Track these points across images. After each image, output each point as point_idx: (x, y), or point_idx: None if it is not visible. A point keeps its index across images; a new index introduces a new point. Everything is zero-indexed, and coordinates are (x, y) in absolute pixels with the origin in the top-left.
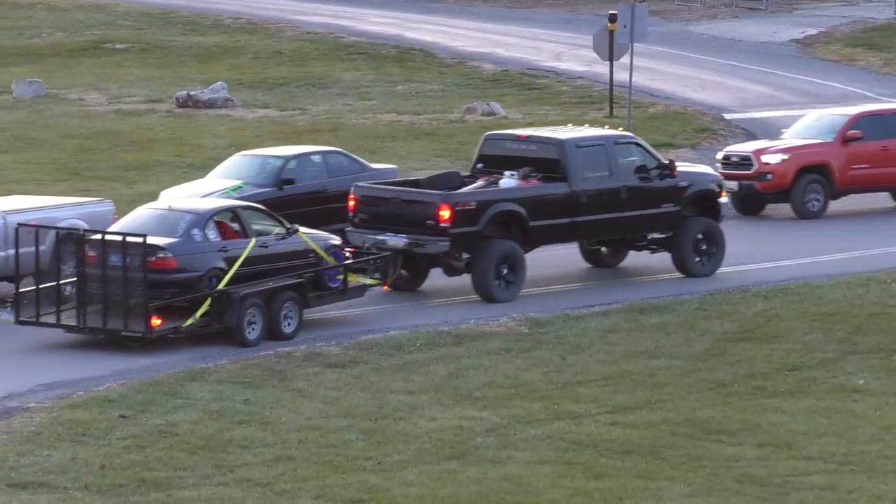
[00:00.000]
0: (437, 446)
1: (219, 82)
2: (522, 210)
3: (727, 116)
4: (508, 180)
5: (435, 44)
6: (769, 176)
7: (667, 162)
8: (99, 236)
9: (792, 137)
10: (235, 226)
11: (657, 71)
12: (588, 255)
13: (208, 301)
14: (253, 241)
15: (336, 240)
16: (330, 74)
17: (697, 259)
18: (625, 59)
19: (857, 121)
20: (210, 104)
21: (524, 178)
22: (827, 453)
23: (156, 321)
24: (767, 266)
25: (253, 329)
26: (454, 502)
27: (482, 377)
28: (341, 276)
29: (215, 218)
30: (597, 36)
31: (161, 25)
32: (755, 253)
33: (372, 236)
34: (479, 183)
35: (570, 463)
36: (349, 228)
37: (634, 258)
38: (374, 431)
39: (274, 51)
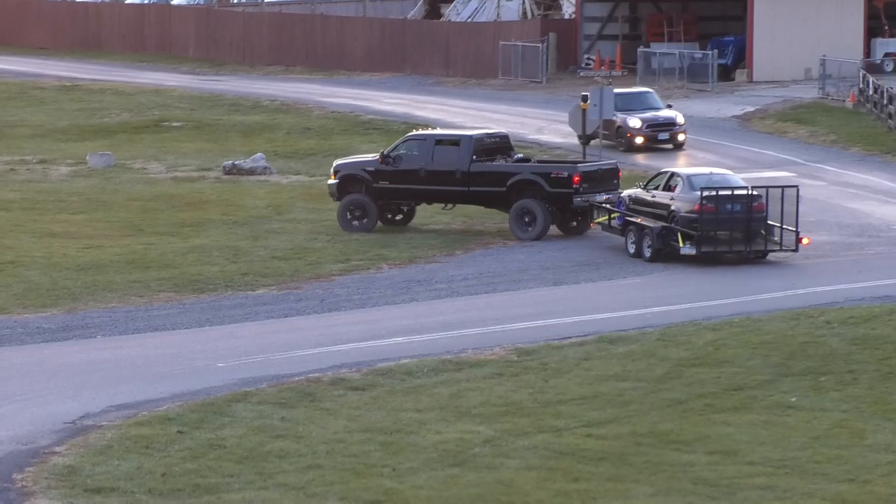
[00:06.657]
0: (442, 455)
1: (258, 153)
2: None
3: None
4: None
5: (438, 120)
6: None
7: None
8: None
9: None
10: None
11: None
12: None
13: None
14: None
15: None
16: (350, 146)
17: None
18: None
19: None
20: (251, 171)
21: None
22: (766, 459)
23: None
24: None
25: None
26: (457, 502)
27: (479, 397)
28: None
29: None
30: (572, 113)
31: (210, 107)
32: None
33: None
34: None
35: (553, 469)
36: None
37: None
38: (390, 443)
39: (304, 127)
